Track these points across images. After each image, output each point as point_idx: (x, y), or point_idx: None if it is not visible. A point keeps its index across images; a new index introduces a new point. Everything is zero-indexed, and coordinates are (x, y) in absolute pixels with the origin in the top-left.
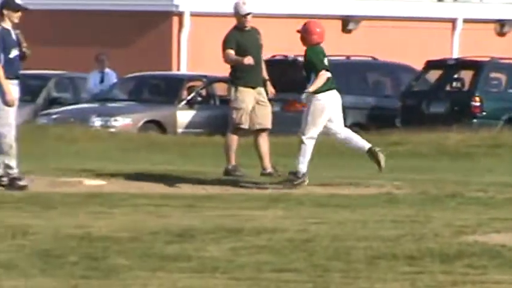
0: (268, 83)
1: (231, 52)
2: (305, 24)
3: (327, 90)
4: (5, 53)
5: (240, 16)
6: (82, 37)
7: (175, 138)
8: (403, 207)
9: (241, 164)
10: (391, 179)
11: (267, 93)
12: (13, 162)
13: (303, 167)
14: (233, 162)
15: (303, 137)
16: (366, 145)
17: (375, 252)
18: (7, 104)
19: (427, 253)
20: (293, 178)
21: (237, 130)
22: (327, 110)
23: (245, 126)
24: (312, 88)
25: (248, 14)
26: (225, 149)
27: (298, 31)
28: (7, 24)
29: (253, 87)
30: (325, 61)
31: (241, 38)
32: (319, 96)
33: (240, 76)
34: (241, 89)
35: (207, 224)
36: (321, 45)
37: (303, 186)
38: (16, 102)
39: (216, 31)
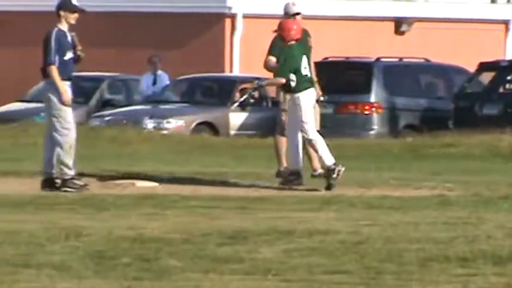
0: (317, 85)
1: (272, 59)
2: (281, 23)
3: (308, 88)
4: (59, 55)
5: (289, 17)
6: (135, 39)
7: (227, 140)
8: (456, 209)
9: None
10: (444, 181)
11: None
12: (71, 162)
13: (329, 160)
14: (284, 164)
15: (309, 138)
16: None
17: (427, 254)
18: (64, 103)
19: (480, 255)
20: (330, 173)
21: (286, 132)
22: (311, 105)
23: None
24: (264, 83)
25: (297, 14)
26: (275, 151)
27: (274, 31)
28: (63, 26)
29: None
30: (303, 60)
31: None
32: (302, 94)
33: None
34: None
35: (259, 226)
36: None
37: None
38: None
39: (268, 33)
